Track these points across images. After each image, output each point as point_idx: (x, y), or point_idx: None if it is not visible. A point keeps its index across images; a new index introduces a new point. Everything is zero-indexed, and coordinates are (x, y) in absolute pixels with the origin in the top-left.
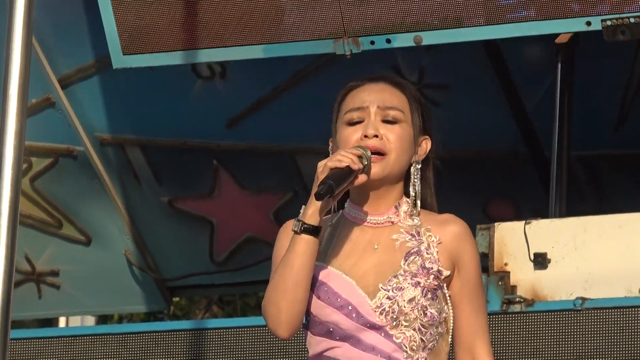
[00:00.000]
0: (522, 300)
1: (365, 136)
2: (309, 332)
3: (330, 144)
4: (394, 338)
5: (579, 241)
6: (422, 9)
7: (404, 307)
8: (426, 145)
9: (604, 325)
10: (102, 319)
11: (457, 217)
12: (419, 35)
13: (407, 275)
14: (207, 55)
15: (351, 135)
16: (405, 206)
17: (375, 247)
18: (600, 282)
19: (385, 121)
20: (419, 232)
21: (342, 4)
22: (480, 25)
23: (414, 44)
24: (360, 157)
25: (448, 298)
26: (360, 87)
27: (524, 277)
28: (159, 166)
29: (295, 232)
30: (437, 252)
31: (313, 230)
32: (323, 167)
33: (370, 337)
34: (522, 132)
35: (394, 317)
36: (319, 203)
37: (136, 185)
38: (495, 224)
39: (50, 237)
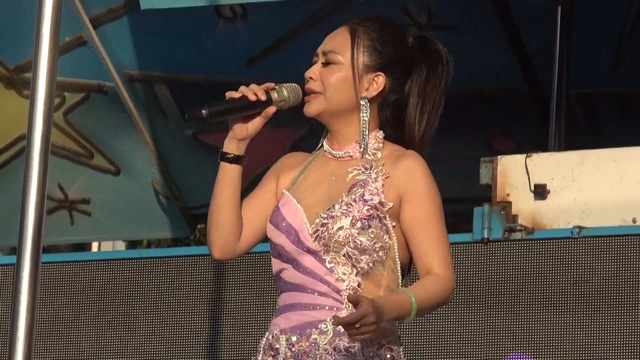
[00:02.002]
0: (523, 228)
1: (307, 80)
2: (270, 254)
3: None
4: (326, 263)
5: (577, 173)
6: None
7: (333, 234)
8: (380, 81)
9: (599, 252)
10: (132, 244)
11: (416, 153)
12: None
13: (342, 205)
14: None
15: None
16: (371, 141)
17: (334, 178)
18: (596, 211)
19: (326, 63)
20: (371, 165)
21: None
22: None
23: None
24: (273, 90)
25: (390, 228)
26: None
27: (525, 207)
28: (184, 101)
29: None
30: (383, 185)
31: (230, 158)
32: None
33: (307, 260)
34: (524, 71)
35: (325, 243)
36: (232, 131)
37: (162, 119)
38: (498, 157)
39: (82, 167)
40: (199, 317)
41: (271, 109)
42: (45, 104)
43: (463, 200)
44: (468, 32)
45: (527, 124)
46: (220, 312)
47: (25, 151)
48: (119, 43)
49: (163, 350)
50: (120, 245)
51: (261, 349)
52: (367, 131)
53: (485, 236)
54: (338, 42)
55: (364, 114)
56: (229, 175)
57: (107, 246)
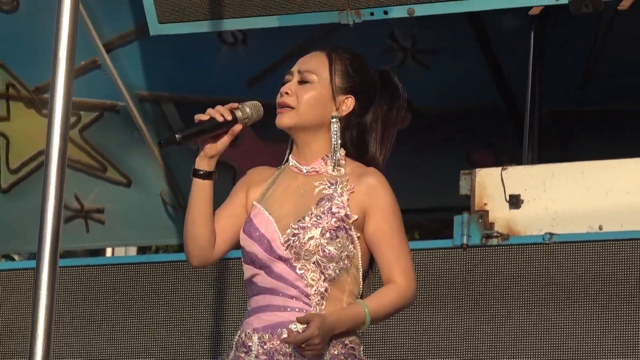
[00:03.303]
0: (498, 235)
1: (282, 95)
2: (242, 260)
3: None
4: (297, 269)
5: (548, 184)
6: None
7: (304, 243)
8: (350, 102)
9: (569, 257)
10: (142, 250)
11: (377, 171)
12: (412, 8)
13: (312, 217)
14: (231, 24)
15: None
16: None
17: (302, 192)
18: (566, 219)
19: (302, 81)
20: (337, 181)
21: None
22: None
23: (407, 15)
24: (237, 109)
25: (355, 239)
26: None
27: (501, 215)
28: (189, 119)
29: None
30: (348, 199)
31: (202, 175)
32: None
33: (279, 267)
34: (500, 91)
35: (297, 251)
36: (204, 150)
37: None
38: (476, 169)
39: (97, 180)
40: (203, 314)
41: (237, 127)
42: (62, 122)
43: (444, 209)
44: (449, 55)
45: (504, 139)
46: (221, 309)
47: (44, 165)
48: (130, 66)
49: (171, 346)
50: (132, 251)
51: (234, 345)
52: (338, 147)
53: (465, 242)
54: (314, 63)
55: (335, 131)
56: (202, 190)
57: (119, 251)
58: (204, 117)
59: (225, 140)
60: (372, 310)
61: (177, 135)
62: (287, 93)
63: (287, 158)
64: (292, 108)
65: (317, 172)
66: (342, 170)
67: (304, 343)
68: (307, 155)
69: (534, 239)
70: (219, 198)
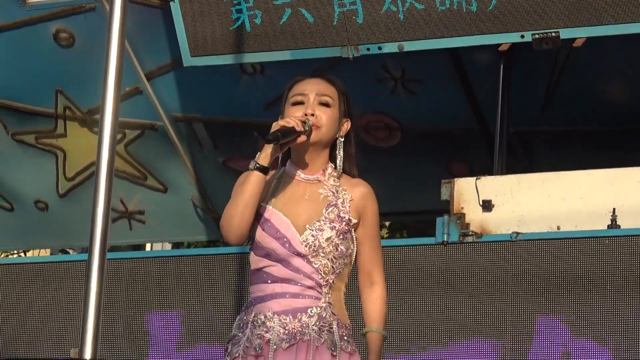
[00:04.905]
0: (473, 233)
1: (306, 114)
2: (252, 253)
3: (280, 118)
4: (313, 264)
5: (515, 192)
6: (402, 26)
7: (322, 243)
8: (347, 125)
9: (532, 252)
10: (176, 245)
11: (365, 182)
12: (401, 44)
13: (326, 221)
14: (251, 58)
15: (295, 112)
16: (330, 169)
17: (306, 197)
18: (529, 221)
19: (321, 104)
20: (337, 190)
21: (347, 22)
22: (445, 37)
23: (397, 50)
24: (303, 123)
25: (354, 238)
26: (303, 80)
27: (475, 217)
28: (216, 136)
29: (251, 169)
30: (349, 206)
31: (262, 169)
32: (276, 124)
33: (296, 261)
34: (475, 113)
35: (314, 249)
36: (269, 149)
37: (200, 150)
38: (455, 179)
39: (138, 187)
40: (226, 297)
41: (302, 137)
42: (110, 138)
43: (428, 212)
44: (433, 84)
45: (477, 154)
46: (241, 294)
47: (95, 174)
48: (167, 92)
49: (198, 323)
50: (167, 246)
51: (249, 324)
52: (342, 161)
53: (445, 239)
54: (328, 89)
55: (341, 148)
56: (258, 181)
57: (157, 246)
58: (287, 124)
59: (286, 145)
60: (383, 327)
61: (278, 134)
62: (312, 115)
63: (285, 166)
64: (318, 127)
65: (319, 180)
66: (338, 181)
67: None
68: (311, 166)
69: (502, 237)
70: None
